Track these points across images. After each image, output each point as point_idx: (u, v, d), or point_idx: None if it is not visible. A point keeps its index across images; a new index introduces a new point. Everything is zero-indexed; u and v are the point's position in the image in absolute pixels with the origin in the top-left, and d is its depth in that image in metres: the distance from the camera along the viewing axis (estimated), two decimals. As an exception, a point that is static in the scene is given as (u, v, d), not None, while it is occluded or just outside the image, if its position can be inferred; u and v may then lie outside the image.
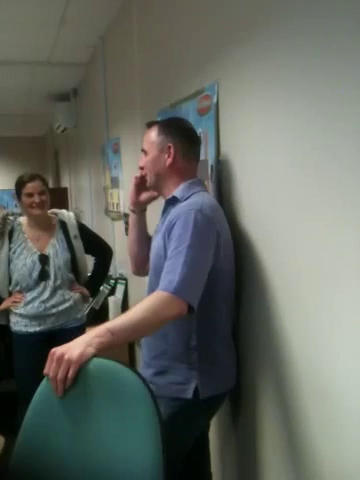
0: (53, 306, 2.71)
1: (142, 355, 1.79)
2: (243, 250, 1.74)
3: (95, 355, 1.26)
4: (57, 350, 1.26)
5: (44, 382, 1.29)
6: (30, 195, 2.69)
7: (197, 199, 1.66)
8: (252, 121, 1.66)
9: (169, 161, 1.74)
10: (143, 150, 1.81)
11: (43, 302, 2.70)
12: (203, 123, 2.00)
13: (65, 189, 7.37)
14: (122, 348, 3.64)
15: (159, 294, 1.48)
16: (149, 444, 1.15)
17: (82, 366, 1.23)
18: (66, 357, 1.23)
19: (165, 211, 1.78)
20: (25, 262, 2.68)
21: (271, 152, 1.55)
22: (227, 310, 1.73)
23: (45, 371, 1.26)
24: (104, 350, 1.29)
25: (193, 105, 2.09)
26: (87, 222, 5.69)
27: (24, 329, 2.71)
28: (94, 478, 1.20)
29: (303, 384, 1.45)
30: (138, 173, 1.87)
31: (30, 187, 2.69)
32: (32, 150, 10.20)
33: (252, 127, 1.66)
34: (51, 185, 9.26)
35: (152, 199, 1.96)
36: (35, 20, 3.64)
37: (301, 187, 1.40)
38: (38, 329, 2.70)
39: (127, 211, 2.57)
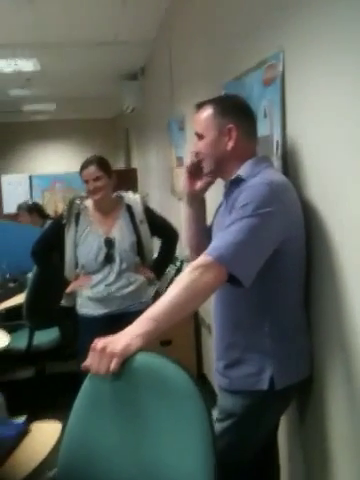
0: (118, 289, 2.68)
1: (215, 346, 1.71)
2: (313, 231, 1.59)
3: (141, 348, 1.17)
4: (99, 342, 1.19)
5: (88, 378, 1.22)
6: (86, 181, 2.65)
7: (265, 175, 1.52)
8: (320, 90, 1.50)
9: (231, 144, 1.59)
10: (197, 134, 1.66)
11: (108, 285, 2.67)
12: (268, 94, 1.84)
13: (134, 170, 7.38)
14: (188, 338, 3.62)
15: (197, 260, 1.38)
16: (198, 443, 1.06)
17: (127, 359, 1.14)
18: (109, 350, 1.16)
19: (228, 193, 1.64)
20: (91, 245, 2.66)
21: (342, 126, 1.38)
22: (300, 293, 1.61)
23: (86, 364, 1.19)
24: (152, 340, 1.21)
25: (258, 76, 1.93)
26: (154, 202, 5.68)
27: (90, 312, 2.69)
28: (142, 476, 1.12)
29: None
30: (188, 160, 1.74)
31: (85, 174, 2.64)
32: (104, 132, 10.34)
33: (320, 97, 1.50)
34: (122, 166, 9.35)
35: (209, 186, 1.80)
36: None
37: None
38: (102, 312, 2.68)
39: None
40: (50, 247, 2.85)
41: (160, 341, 3.48)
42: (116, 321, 2.55)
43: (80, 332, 2.74)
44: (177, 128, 3.84)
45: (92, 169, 2.63)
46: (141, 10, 3.91)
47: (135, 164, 7.82)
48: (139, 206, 2.77)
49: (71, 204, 2.75)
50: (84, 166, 2.66)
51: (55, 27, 4.15)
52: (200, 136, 1.65)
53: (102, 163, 2.68)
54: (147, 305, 2.75)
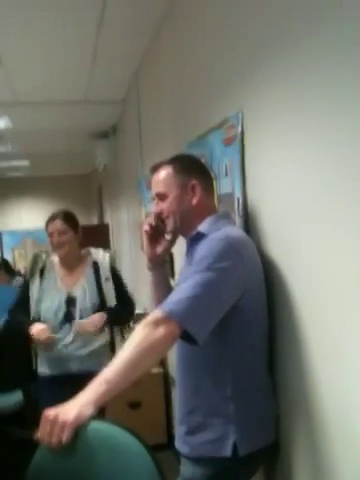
0: (77, 349, 2.57)
1: (177, 411, 1.64)
2: (275, 289, 1.57)
3: (93, 414, 1.11)
4: (51, 412, 1.12)
5: (39, 450, 1.15)
6: (50, 235, 2.62)
7: (224, 230, 1.52)
8: (276, 149, 1.52)
9: (195, 200, 1.61)
10: (158, 195, 1.65)
11: (66, 345, 2.57)
12: (228, 154, 1.87)
13: (106, 225, 7.38)
14: (158, 399, 3.51)
15: (149, 316, 1.34)
16: None
17: (79, 428, 1.08)
18: (60, 420, 1.09)
19: (189, 250, 1.63)
20: (53, 301, 2.59)
21: (300, 182, 1.40)
22: (263, 354, 1.56)
23: (38, 435, 1.12)
24: (103, 403, 1.16)
25: (219, 135, 1.96)
26: (125, 258, 5.66)
27: (47, 372, 2.59)
28: None
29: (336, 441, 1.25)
30: (146, 225, 1.74)
31: (50, 227, 2.62)
32: (77, 188, 10.38)
33: (277, 156, 1.52)
34: (96, 222, 9.35)
35: (170, 248, 1.80)
36: (67, 58, 3.66)
37: (333, 219, 1.24)
38: (60, 372, 2.57)
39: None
40: (25, 308, 2.66)
41: (129, 403, 3.37)
42: (77, 381, 2.42)
43: (38, 393, 2.64)
44: (145, 186, 3.86)
45: (57, 223, 2.60)
46: (110, 72, 4.01)
47: (108, 220, 7.83)
48: (106, 263, 2.70)
49: (36, 259, 2.71)
50: (50, 219, 2.63)
51: (25, 86, 4.21)
52: (162, 196, 1.64)
53: (68, 217, 2.65)
54: None
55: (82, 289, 2.62)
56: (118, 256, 6.38)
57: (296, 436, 1.51)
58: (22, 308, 2.62)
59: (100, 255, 2.74)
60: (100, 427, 1.09)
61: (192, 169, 1.64)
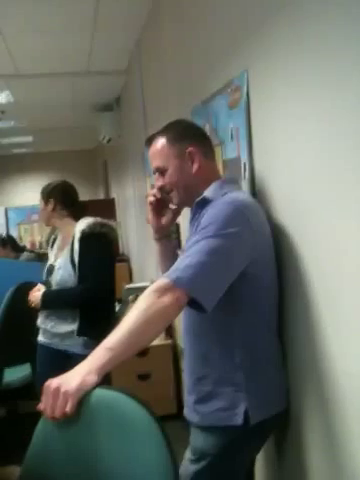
0: (52, 326, 2.49)
1: (185, 380, 1.61)
2: (284, 255, 1.52)
3: (97, 383, 1.08)
4: (52, 382, 1.09)
5: (41, 422, 1.12)
6: None
7: (232, 195, 1.46)
8: (284, 111, 1.46)
9: (196, 166, 1.54)
10: (157, 168, 1.59)
11: (44, 317, 2.54)
12: (234, 117, 1.80)
13: (112, 200, 7.33)
14: (167, 370, 3.49)
15: (154, 284, 1.30)
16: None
17: (82, 398, 1.05)
18: (63, 390, 1.05)
19: (195, 216, 1.58)
20: (44, 271, 2.64)
21: (310, 146, 1.33)
22: (273, 322, 1.52)
23: (40, 407, 1.09)
24: (107, 371, 1.12)
25: (224, 99, 1.90)
26: (132, 232, 5.62)
27: (39, 338, 2.62)
28: None
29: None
30: (151, 197, 1.68)
31: None
32: (83, 163, 10.30)
33: (285, 118, 1.46)
34: (101, 196, 9.31)
35: (175, 218, 1.76)
36: (68, 28, 3.57)
37: (341, 179, 1.18)
38: (45, 341, 2.57)
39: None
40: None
41: (138, 375, 3.37)
42: (63, 356, 2.40)
43: (36, 360, 2.66)
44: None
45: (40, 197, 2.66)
46: (111, 41, 3.92)
47: (114, 195, 7.77)
48: (77, 234, 2.42)
49: (51, 232, 2.81)
50: None
51: (26, 58, 4.13)
52: (161, 170, 1.57)
53: (42, 190, 2.66)
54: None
55: (61, 259, 2.51)
56: (125, 230, 6.35)
57: (307, 404, 1.48)
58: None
59: (79, 225, 2.47)
60: (104, 395, 1.05)
61: (187, 135, 1.57)
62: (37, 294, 2.47)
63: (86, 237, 2.41)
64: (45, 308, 2.48)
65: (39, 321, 2.59)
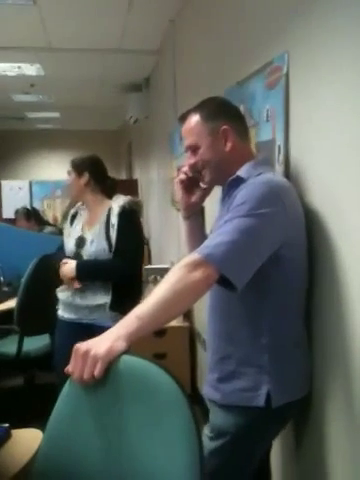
0: (82, 298, 2.48)
1: (208, 358, 1.61)
2: (316, 239, 1.51)
3: (126, 349, 1.09)
4: (82, 345, 1.10)
5: (68, 383, 1.14)
6: None
7: (266, 175, 1.45)
8: (326, 95, 1.44)
9: (229, 145, 1.52)
10: (190, 146, 1.57)
11: (74, 292, 2.50)
12: (271, 98, 1.79)
13: (135, 180, 7.33)
14: (183, 352, 3.51)
15: (185, 259, 1.29)
16: (184, 454, 0.97)
17: (111, 363, 1.06)
18: (92, 353, 1.06)
19: (227, 195, 1.56)
20: (70, 242, 2.57)
21: (351, 131, 1.31)
22: (301, 305, 1.52)
23: (68, 369, 1.10)
24: (135, 340, 1.13)
25: (261, 79, 1.88)
26: (154, 214, 5.63)
27: (61, 315, 2.59)
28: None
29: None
30: (182, 175, 1.67)
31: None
32: (107, 143, 10.27)
33: (326, 102, 1.44)
34: (124, 177, 9.31)
35: (206, 196, 1.74)
36: (103, 3, 3.54)
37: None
38: (70, 317, 2.54)
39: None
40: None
41: (154, 354, 3.40)
42: (86, 330, 2.32)
43: (56, 337, 2.66)
44: (178, 138, 3.79)
45: (69, 169, 2.61)
46: (146, 19, 3.88)
47: (137, 176, 7.78)
48: (116, 209, 2.46)
49: (70, 206, 2.74)
50: None
51: (59, 31, 4.12)
52: (194, 147, 1.56)
53: (73, 162, 2.61)
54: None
55: (93, 233, 2.51)
56: (146, 212, 6.37)
57: (331, 390, 1.48)
58: (62, 252, 2.64)
59: (118, 200, 2.52)
60: (132, 362, 1.06)
61: (221, 113, 1.55)
62: (69, 266, 2.45)
63: (127, 213, 2.45)
64: (80, 279, 2.45)
65: (62, 295, 2.57)
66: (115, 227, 2.43)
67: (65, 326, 2.57)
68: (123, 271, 2.43)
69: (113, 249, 2.42)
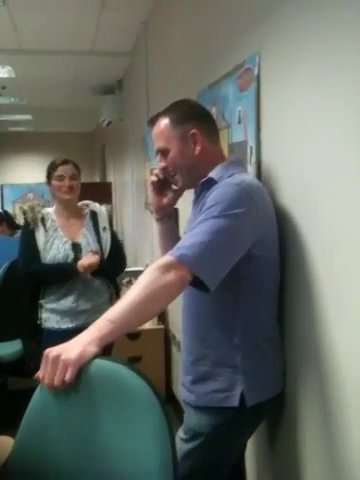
0: (86, 301, 2.54)
1: (182, 360, 1.60)
2: (287, 239, 1.52)
3: (98, 353, 1.08)
4: (52, 350, 1.08)
5: (38, 389, 1.11)
6: (61, 178, 2.56)
7: (238, 176, 1.45)
8: (296, 95, 1.45)
9: (199, 149, 1.52)
10: (160, 150, 1.57)
11: (76, 297, 2.52)
12: (243, 100, 1.79)
13: (109, 184, 7.28)
14: (158, 354, 3.50)
15: (158, 260, 1.29)
16: (157, 455, 0.97)
17: (82, 368, 1.04)
18: (63, 358, 1.05)
19: (199, 197, 1.56)
20: (58, 251, 2.52)
21: (320, 131, 1.33)
22: (273, 305, 1.53)
23: (38, 375, 1.08)
24: (107, 343, 1.12)
25: (233, 81, 1.88)
26: (128, 217, 5.60)
27: (55, 326, 2.53)
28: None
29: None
30: (153, 177, 1.67)
31: (62, 170, 2.57)
32: (80, 146, 10.20)
33: (296, 102, 1.45)
34: (97, 180, 9.26)
35: (177, 198, 1.73)
36: (74, 4, 3.51)
37: (352, 168, 1.18)
38: (69, 326, 2.52)
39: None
40: (38, 257, 2.53)
41: (129, 357, 3.37)
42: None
43: (44, 347, 2.59)
44: (151, 141, 3.78)
45: (70, 167, 2.60)
46: (118, 21, 3.86)
47: (110, 178, 7.73)
48: (104, 213, 2.73)
49: (33, 209, 2.67)
50: (62, 162, 2.59)
51: (30, 32, 4.07)
52: (163, 151, 1.56)
53: (76, 165, 2.66)
54: None
55: (84, 236, 2.60)
56: (120, 215, 6.34)
57: (303, 386, 1.49)
58: (37, 258, 2.52)
59: (97, 206, 2.76)
60: (104, 365, 1.05)
61: (190, 116, 1.54)
62: (95, 260, 2.49)
63: (110, 214, 2.77)
64: (95, 275, 2.55)
65: (60, 305, 2.51)
66: (107, 229, 2.66)
67: (58, 337, 2.49)
68: (125, 265, 2.80)
69: (108, 249, 2.61)
